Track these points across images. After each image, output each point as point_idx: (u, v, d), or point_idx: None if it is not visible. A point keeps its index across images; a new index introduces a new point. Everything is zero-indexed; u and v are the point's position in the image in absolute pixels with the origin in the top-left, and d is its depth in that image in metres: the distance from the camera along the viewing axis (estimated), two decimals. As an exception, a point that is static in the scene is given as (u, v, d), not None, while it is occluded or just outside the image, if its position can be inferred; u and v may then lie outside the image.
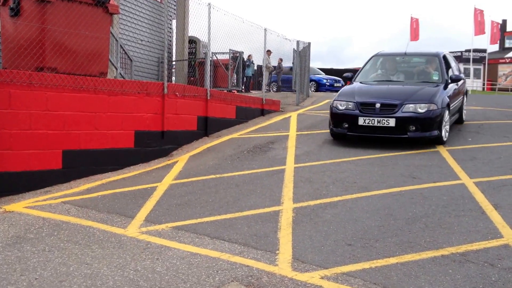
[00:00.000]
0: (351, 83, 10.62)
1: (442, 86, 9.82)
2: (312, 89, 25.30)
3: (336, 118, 9.60)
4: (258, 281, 4.30)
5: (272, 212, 6.09)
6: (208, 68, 11.63)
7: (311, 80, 25.38)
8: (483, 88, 41.94)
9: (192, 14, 12.13)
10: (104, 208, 6.51)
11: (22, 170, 7.33)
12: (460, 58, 40.66)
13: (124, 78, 12.63)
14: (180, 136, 9.99)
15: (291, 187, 7.05)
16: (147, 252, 5.00)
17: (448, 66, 10.84)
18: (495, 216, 5.74)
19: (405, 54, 11.01)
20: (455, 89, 10.37)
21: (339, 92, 10.38)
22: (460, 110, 11.34)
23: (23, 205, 6.71)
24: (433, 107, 9.02)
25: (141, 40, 16.04)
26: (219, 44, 13.00)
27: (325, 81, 27.29)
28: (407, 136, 8.95)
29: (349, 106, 9.38)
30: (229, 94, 12.65)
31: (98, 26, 8.61)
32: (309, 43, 17.98)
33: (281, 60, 20.93)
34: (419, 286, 4.17)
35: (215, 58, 16.04)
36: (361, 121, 9.17)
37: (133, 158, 8.92)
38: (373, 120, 9.05)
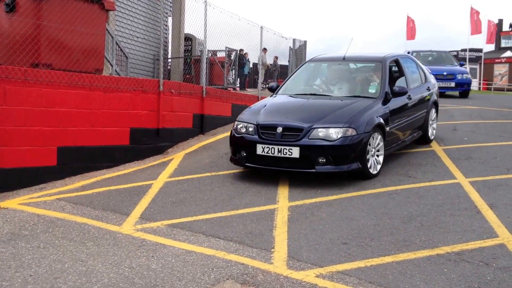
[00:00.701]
0: (274, 95, 8.51)
1: (378, 101, 7.60)
2: None
3: (234, 143, 7.49)
4: (253, 279, 4.30)
5: (267, 210, 6.09)
6: (204, 65, 11.61)
7: None
8: (479, 88, 42.03)
9: (188, 12, 12.12)
10: (99, 205, 6.49)
11: (17, 167, 7.30)
12: (457, 57, 40.75)
13: (119, 75, 12.58)
14: (175, 134, 9.97)
15: (286, 186, 7.05)
16: (142, 250, 4.98)
17: (398, 74, 8.70)
18: (490, 216, 5.75)
19: (344, 59, 8.73)
20: (404, 104, 8.22)
21: (247, 108, 8.30)
22: (422, 128, 9.05)
23: (17, 202, 6.68)
24: (350, 132, 6.86)
25: (137, 37, 16.00)
26: (215, 42, 13.00)
27: None
28: (314, 171, 6.83)
29: (249, 130, 7.26)
30: (225, 92, 12.63)
31: (93, 23, 8.58)
32: (305, 41, 18.01)
33: (276, 58, 20.91)
34: (414, 285, 4.17)
35: (211, 56, 16.01)
36: (259, 149, 7.00)
37: (128, 155, 8.90)
38: (273, 149, 6.91)
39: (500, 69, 45.76)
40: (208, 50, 13.67)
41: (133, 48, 15.68)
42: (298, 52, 16.82)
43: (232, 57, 17.02)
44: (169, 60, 16.91)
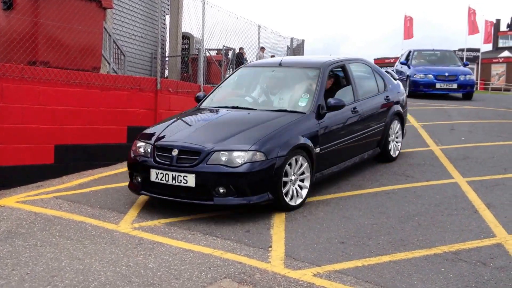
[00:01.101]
0: (196, 107, 7.35)
1: (308, 117, 6.36)
2: None
3: (130, 166, 6.37)
4: (251, 278, 4.29)
5: (265, 208, 6.07)
6: (201, 64, 11.60)
7: None
8: (477, 88, 42.05)
9: (186, 10, 12.11)
10: (96, 204, 6.47)
11: (14, 165, 7.28)
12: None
13: (117, 73, 12.56)
14: (173, 132, 9.93)
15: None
16: (139, 248, 4.97)
17: (345, 83, 7.45)
18: (487, 215, 5.76)
19: (280, 64, 7.43)
20: (347, 119, 6.94)
21: (155, 124, 7.33)
22: (379, 144, 7.83)
23: (14, 200, 6.66)
24: (258, 156, 5.57)
25: (135, 36, 15.97)
26: (213, 41, 12.99)
27: None
28: (212, 203, 5.59)
29: (147, 150, 6.09)
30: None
31: (91, 21, 8.56)
32: (303, 40, 18.02)
33: (272, 57, 20.89)
34: (412, 284, 4.17)
35: (209, 55, 15.99)
36: (153, 175, 5.84)
37: (126, 153, 8.81)
38: (167, 176, 5.73)
39: (497, 69, 45.86)
40: (206, 49, 13.65)
41: (130, 46, 15.66)
42: (296, 51, 16.83)
43: (229, 56, 16.99)
44: (167, 58, 16.91)
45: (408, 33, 37.60)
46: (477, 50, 42.79)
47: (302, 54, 18.03)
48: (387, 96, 8.06)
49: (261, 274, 4.36)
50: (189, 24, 12.08)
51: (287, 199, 5.87)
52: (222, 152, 5.60)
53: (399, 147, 8.40)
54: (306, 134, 6.17)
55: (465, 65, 18.64)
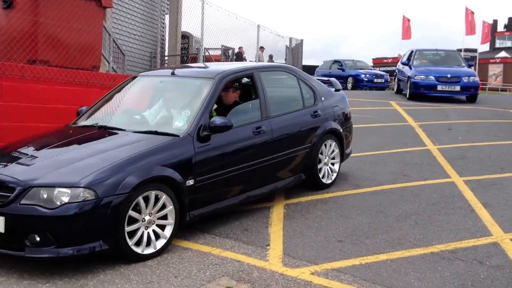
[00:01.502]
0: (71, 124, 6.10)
1: (181, 141, 5.08)
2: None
3: None
4: (249, 276, 4.31)
5: (263, 207, 6.10)
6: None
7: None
8: (477, 89, 42.01)
9: (185, 9, 12.15)
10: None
11: (13, 163, 7.29)
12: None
13: (116, 72, 12.58)
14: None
15: (282, 184, 7.05)
16: (138, 246, 4.98)
17: (254, 96, 6.12)
18: (484, 214, 5.79)
19: (173, 74, 6.19)
20: (245, 141, 5.66)
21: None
22: (305, 170, 6.46)
23: (13, 198, 6.65)
24: (86, 194, 4.31)
25: (134, 35, 15.98)
26: (212, 40, 13.02)
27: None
28: (23, 254, 4.31)
29: None
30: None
31: (91, 20, 8.59)
32: (302, 40, 18.06)
33: (271, 57, 20.91)
34: (409, 283, 4.19)
35: (208, 54, 16.02)
36: None
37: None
38: None
39: (494, 69, 45.83)
40: (205, 48, 13.68)
41: (130, 45, 15.67)
42: (295, 51, 16.86)
43: (228, 55, 17.02)
44: (166, 57, 16.93)
45: (407, 33, 37.66)
46: (475, 51, 42.77)
47: (301, 54, 18.03)
48: (315, 112, 6.66)
49: (259, 272, 4.38)
50: (189, 24, 12.13)
51: (135, 248, 4.58)
52: (43, 189, 4.34)
53: (337, 170, 6.98)
54: (173, 162, 4.90)
55: (469, 65, 17.71)
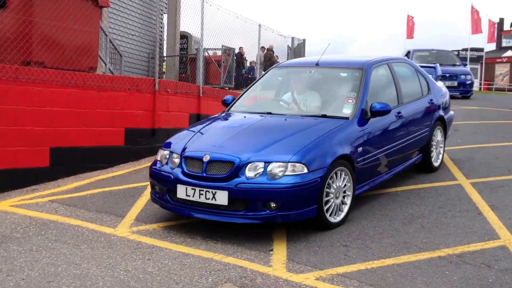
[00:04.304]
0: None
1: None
2: None
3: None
4: (252, 282, 4.21)
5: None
6: (200, 64, 11.49)
7: None
8: (480, 88, 41.95)
9: (184, 8, 12.00)
10: (93, 207, 6.37)
11: (8, 168, 7.16)
12: (457, 57, 40.76)
13: (113, 73, 12.45)
14: (171, 134, 9.80)
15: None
16: (138, 252, 4.88)
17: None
18: (491, 217, 5.69)
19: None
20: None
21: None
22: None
23: (9, 204, 6.55)
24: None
25: (131, 35, 15.85)
26: (212, 40, 12.89)
27: None
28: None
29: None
30: (222, 91, 12.55)
31: (87, 20, 8.45)
32: (304, 40, 17.92)
33: (276, 57, 20.78)
34: (416, 288, 4.09)
35: (207, 54, 15.89)
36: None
37: (123, 156, 8.77)
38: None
39: (501, 69, 45.69)
40: (204, 49, 13.55)
41: (127, 46, 15.54)
42: (297, 51, 16.75)
43: (229, 55, 16.89)
44: (165, 58, 16.79)
45: (411, 33, 37.58)
46: (481, 50, 42.63)
47: (304, 54, 17.92)
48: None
49: (263, 278, 4.28)
50: (188, 23, 11.98)
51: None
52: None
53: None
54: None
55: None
